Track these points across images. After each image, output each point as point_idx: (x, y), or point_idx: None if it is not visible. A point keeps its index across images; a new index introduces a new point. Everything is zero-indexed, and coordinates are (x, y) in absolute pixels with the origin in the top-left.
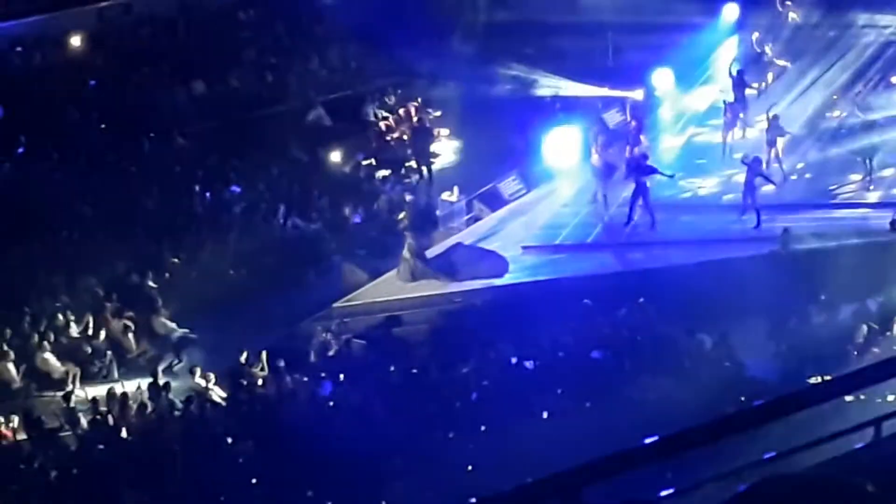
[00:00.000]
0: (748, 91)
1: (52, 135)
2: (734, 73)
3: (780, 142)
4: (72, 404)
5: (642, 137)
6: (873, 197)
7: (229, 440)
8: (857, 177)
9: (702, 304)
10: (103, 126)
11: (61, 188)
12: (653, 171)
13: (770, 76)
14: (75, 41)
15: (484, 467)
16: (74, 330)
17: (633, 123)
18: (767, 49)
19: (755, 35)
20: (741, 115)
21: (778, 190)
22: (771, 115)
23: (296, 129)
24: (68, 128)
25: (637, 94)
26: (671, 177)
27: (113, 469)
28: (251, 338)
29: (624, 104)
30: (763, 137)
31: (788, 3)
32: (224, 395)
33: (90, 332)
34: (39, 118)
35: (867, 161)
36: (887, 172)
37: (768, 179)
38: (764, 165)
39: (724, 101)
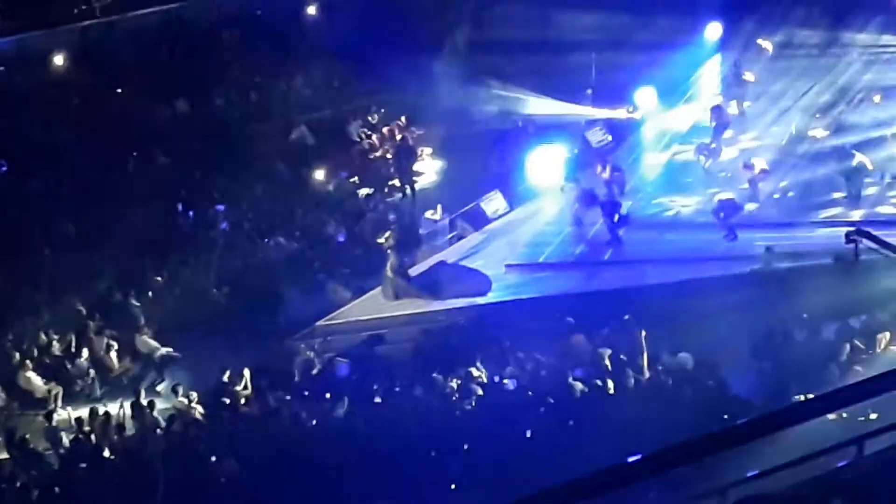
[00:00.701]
0: (736, 107)
1: (34, 153)
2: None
3: (759, 163)
4: (54, 423)
5: (617, 166)
6: (855, 215)
7: (212, 459)
8: (839, 195)
9: (684, 322)
10: (86, 144)
11: (44, 206)
12: (616, 207)
13: (750, 99)
14: (58, 60)
15: (467, 486)
16: (57, 349)
17: (610, 141)
18: (748, 75)
19: (735, 55)
20: (723, 136)
21: (760, 209)
22: (752, 136)
23: (279, 148)
24: (51, 146)
25: (619, 113)
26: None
27: (95, 488)
28: (234, 356)
29: (607, 123)
30: (742, 157)
31: (761, 39)
32: (207, 413)
33: (73, 350)
34: (22, 136)
35: (849, 180)
36: (870, 191)
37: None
38: (747, 185)
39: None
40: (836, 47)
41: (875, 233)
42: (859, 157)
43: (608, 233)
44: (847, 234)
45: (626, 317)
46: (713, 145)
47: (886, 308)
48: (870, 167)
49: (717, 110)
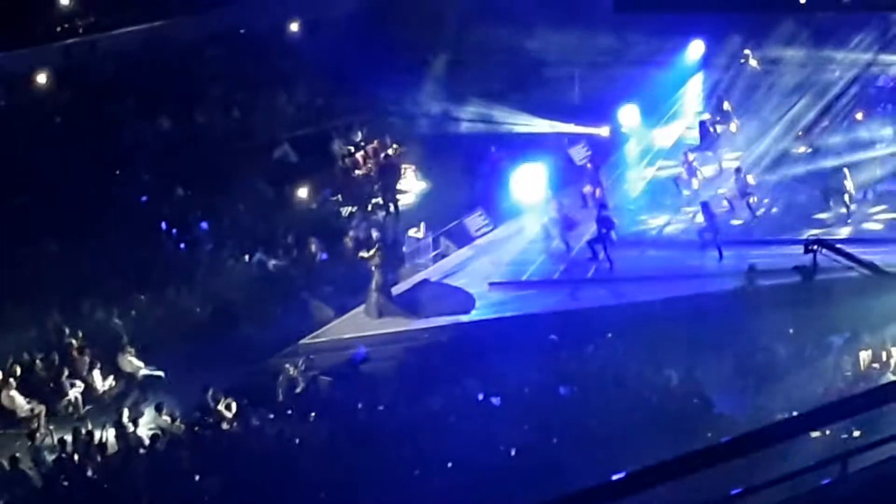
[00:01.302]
0: (720, 125)
1: (16, 171)
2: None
3: (749, 180)
4: (37, 442)
5: (598, 184)
6: (839, 233)
7: (196, 477)
8: (822, 214)
9: (668, 339)
10: (69, 162)
11: (26, 224)
12: (612, 225)
13: (734, 118)
14: (41, 78)
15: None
16: (40, 367)
17: (589, 166)
18: (727, 104)
19: (718, 73)
20: (706, 154)
21: (745, 226)
22: (736, 155)
23: (262, 166)
24: (33, 164)
25: (603, 131)
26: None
27: None
28: (218, 375)
29: (590, 140)
30: (726, 176)
31: (747, 51)
32: (190, 432)
33: (56, 369)
34: (4, 154)
35: (831, 198)
36: (853, 208)
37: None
38: (728, 205)
39: (686, 148)
40: (818, 65)
41: (851, 250)
42: (842, 175)
43: (592, 251)
44: (805, 245)
45: (609, 335)
46: (695, 162)
47: (870, 326)
48: (852, 185)
49: (703, 126)
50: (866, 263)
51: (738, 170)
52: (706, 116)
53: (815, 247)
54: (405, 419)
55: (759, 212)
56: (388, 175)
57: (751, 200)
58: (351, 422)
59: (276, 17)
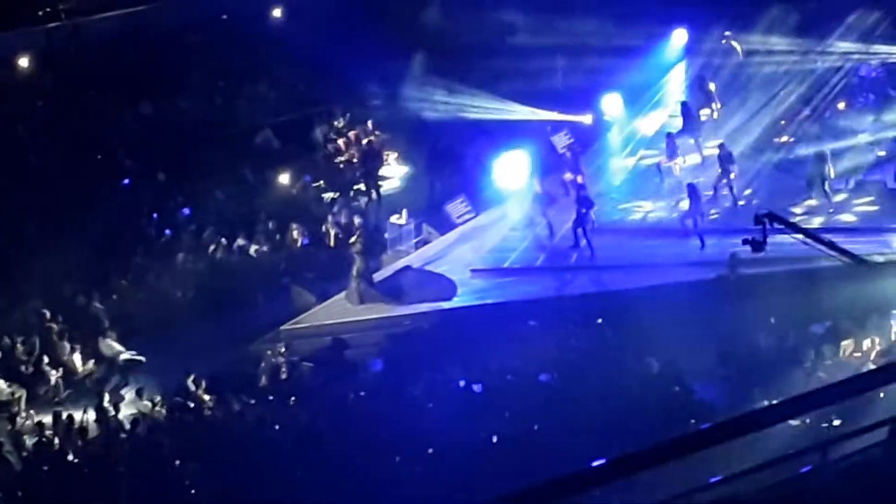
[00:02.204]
0: (702, 113)
1: None
2: (681, 104)
3: (732, 168)
4: (17, 426)
5: (580, 171)
6: (819, 222)
7: (176, 462)
8: (803, 202)
9: (650, 327)
10: (50, 147)
11: (7, 208)
12: (591, 204)
13: (717, 105)
14: (23, 62)
15: (432, 490)
16: (20, 351)
17: (569, 155)
18: (711, 86)
19: (701, 62)
20: (688, 142)
21: (727, 214)
22: (718, 143)
23: (244, 152)
24: (14, 149)
25: (586, 119)
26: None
27: (59, 491)
28: (199, 360)
29: (573, 128)
30: (708, 163)
31: (728, 33)
32: (171, 417)
33: (36, 353)
34: None
35: (813, 187)
36: (838, 197)
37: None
38: (712, 191)
39: (667, 133)
40: (801, 54)
41: (838, 239)
42: (823, 164)
43: (574, 237)
44: (756, 216)
45: (591, 322)
46: (679, 149)
47: (851, 315)
48: (833, 174)
49: (685, 107)
50: (824, 241)
51: (720, 157)
52: (684, 98)
53: (766, 219)
54: (386, 405)
55: (741, 202)
56: (371, 162)
57: (733, 189)
58: (332, 408)
59: (259, 4)
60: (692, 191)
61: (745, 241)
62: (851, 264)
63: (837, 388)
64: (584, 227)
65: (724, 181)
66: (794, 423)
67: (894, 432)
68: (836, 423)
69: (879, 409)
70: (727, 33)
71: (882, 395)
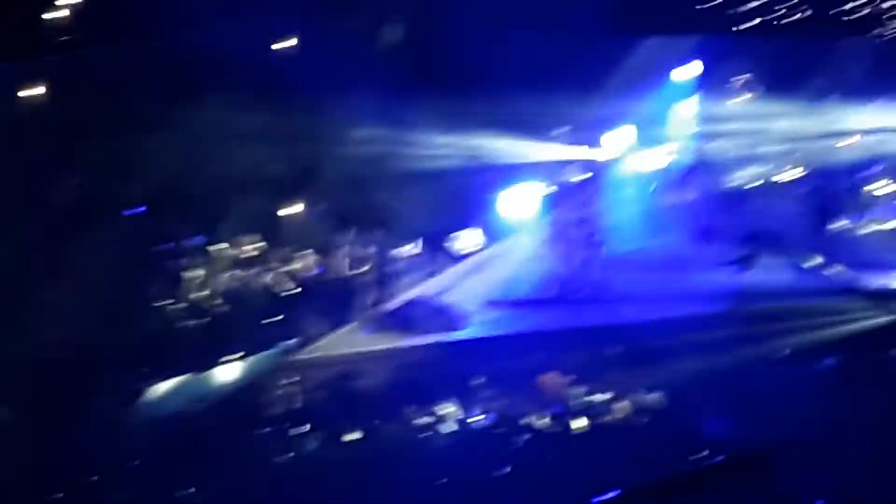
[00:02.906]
0: (712, 146)
1: None
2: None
3: (741, 202)
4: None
5: (594, 203)
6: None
7: (184, 493)
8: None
9: (658, 360)
10: (52, 177)
11: (16, 238)
12: (600, 236)
13: (728, 138)
14: (32, 92)
15: None
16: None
17: (586, 184)
18: (721, 112)
19: (713, 95)
20: (697, 175)
21: (735, 248)
22: (729, 176)
23: (255, 180)
24: (23, 178)
25: (596, 153)
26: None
27: None
28: (207, 389)
29: (582, 163)
30: (717, 196)
31: (744, 75)
32: (179, 447)
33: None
34: None
35: (820, 221)
36: (837, 228)
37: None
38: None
39: (677, 166)
40: (810, 90)
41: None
42: (835, 201)
43: (584, 272)
44: (744, 237)
45: (610, 353)
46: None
47: (858, 349)
48: (845, 210)
49: (694, 140)
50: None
51: (730, 191)
52: (690, 137)
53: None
54: (394, 436)
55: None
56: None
57: (741, 222)
58: (341, 437)
59: (265, 37)
60: (701, 222)
61: (731, 263)
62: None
63: (845, 425)
64: (594, 260)
65: (733, 214)
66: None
67: None
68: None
69: (889, 452)
70: (743, 75)
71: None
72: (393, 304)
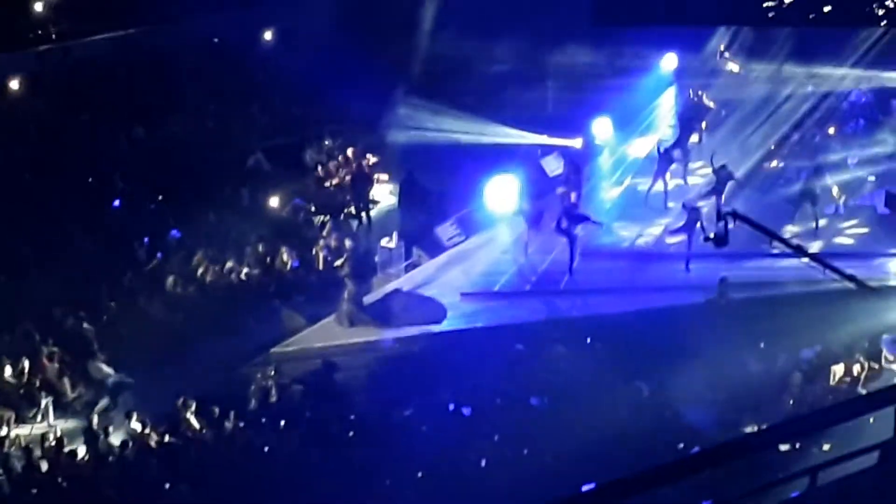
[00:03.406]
0: (691, 137)
1: None
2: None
3: (726, 189)
4: (5, 449)
5: (573, 191)
6: (811, 247)
7: (166, 486)
8: (795, 227)
9: (640, 351)
10: (41, 169)
11: None
12: (582, 219)
13: (704, 124)
14: (13, 84)
15: None
16: (9, 373)
17: (564, 172)
18: (706, 99)
19: (691, 85)
20: (674, 166)
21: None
22: (717, 164)
23: (235, 175)
24: (5, 170)
25: (576, 143)
26: (600, 224)
27: None
28: (188, 383)
29: (563, 152)
30: (699, 185)
31: (727, 54)
32: (161, 440)
33: (25, 375)
34: None
35: (803, 211)
36: (824, 222)
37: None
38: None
39: (658, 150)
40: (790, 79)
41: (830, 262)
42: (812, 189)
43: (563, 262)
44: (718, 212)
45: (582, 344)
46: (668, 173)
47: (841, 340)
48: (823, 199)
49: (674, 131)
50: (793, 247)
51: (712, 180)
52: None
53: (729, 216)
54: (375, 429)
55: (731, 225)
56: (361, 185)
57: (722, 212)
58: (321, 431)
59: (250, 27)
60: (687, 211)
61: (706, 239)
62: (836, 283)
63: (827, 413)
64: (571, 251)
65: (715, 204)
66: (783, 448)
67: (884, 457)
68: (826, 447)
69: (869, 434)
70: (725, 54)
71: (872, 420)
72: (372, 296)
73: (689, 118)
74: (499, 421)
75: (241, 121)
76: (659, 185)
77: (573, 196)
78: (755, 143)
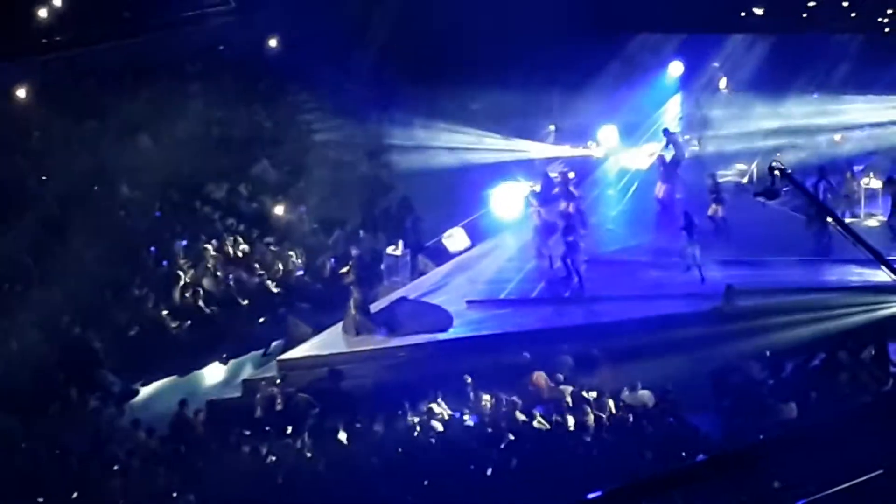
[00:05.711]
0: (693, 143)
1: None
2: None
3: (724, 198)
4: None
5: (576, 193)
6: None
7: (173, 494)
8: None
9: (645, 358)
10: (47, 177)
11: (4, 241)
12: (587, 226)
13: (709, 136)
14: (19, 93)
15: None
16: (17, 383)
17: (570, 180)
18: (710, 111)
19: (696, 93)
20: (679, 171)
21: (722, 246)
22: (712, 174)
23: (241, 182)
24: (11, 179)
25: (581, 151)
26: (606, 231)
27: None
28: (194, 391)
29: (568, 160)
30: (700, 193)
31: (716, 65)
32: (166, 448)
33: (34, 384)
34: None
35: (809, 218)
36: (832, 229)
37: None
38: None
39: (659, 157)
40: (797, 87)
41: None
42: (819, 196)
43: (569, 270)
44: (769, 167)
45: (594, 351)
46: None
47: (845, 347)
48: (830, 206)
49: (674, 137)
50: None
51: (712, 187)
52: (673, 127)
53: (777, 170)
54: (382, 436)
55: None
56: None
57: (726, 220)
58: (328, 439)
59: (255, 34)
60: (688, 220)
61: (756, 194)
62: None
63: (834, 421)
64: (574, 258)
65: (719, 212)
66: (789, 456)
67: (892, 470)
68: (832, 455)
69: (876, 444)
70: (716, 65)
71: (879, 427)
72: (378, 304)
73: (694, 125)
74: (504, 428)
75: (247, 128)
76: (665, 192)
77: (579, 203)
78: (761, 150)
